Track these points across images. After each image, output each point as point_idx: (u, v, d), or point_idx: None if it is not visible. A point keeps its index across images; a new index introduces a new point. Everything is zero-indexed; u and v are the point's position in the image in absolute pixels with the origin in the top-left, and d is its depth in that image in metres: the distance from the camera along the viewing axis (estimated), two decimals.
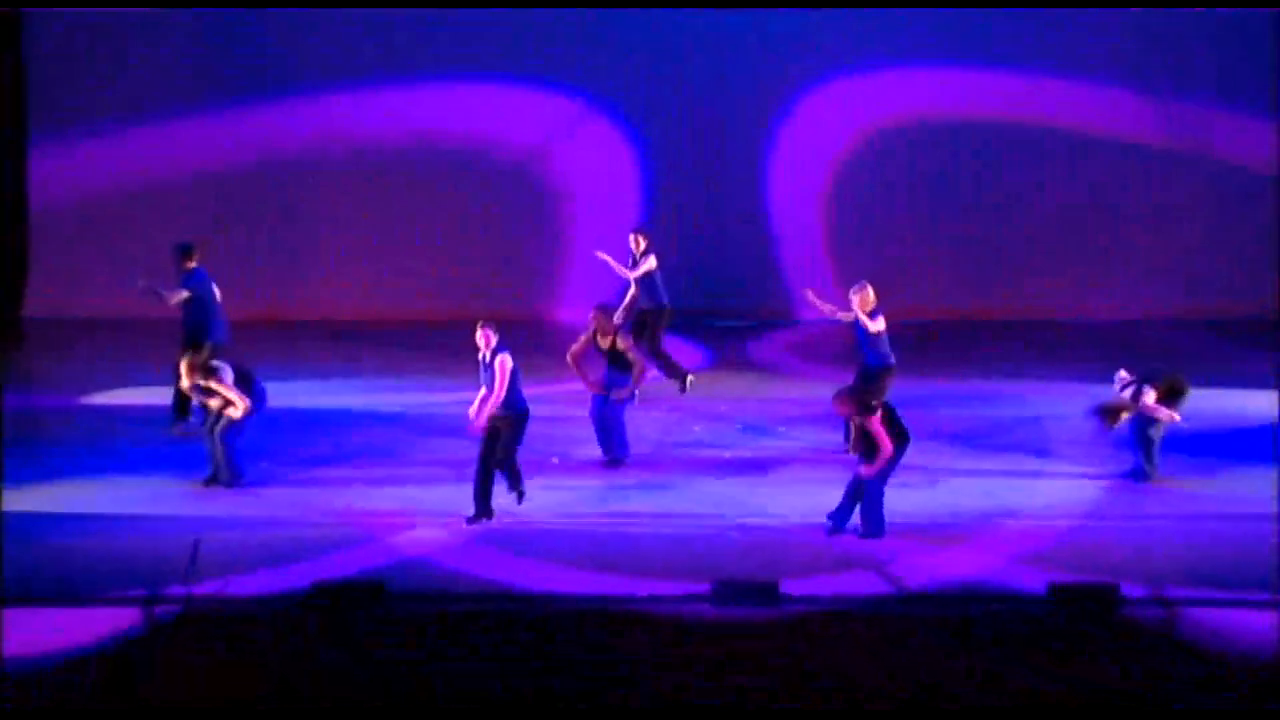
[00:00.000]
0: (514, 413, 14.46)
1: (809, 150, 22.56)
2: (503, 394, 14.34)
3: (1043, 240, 22.77)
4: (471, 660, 11.71)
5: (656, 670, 11.59)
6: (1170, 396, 15.49)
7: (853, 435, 14.75)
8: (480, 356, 14.46)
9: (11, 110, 21.42)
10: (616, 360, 15.90)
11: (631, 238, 18.49)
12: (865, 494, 14.11)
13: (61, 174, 22.06)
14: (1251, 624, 12.32)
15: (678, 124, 22.68)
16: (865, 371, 16.08)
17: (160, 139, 22.27)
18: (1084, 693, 11.41)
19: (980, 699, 11.32)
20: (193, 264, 16.97)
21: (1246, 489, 15.33)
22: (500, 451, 14.41)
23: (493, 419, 14.40)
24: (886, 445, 13.99)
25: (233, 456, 15.33)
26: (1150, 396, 15.37)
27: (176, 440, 16.69)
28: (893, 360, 16.08)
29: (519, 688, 11.35)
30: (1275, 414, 16.82)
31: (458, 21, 22.18)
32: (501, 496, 14.53)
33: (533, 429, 14.75)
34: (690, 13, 22.14)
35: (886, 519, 14.14)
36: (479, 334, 14.44)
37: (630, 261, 18.40)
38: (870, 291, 16.03)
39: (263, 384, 15.57)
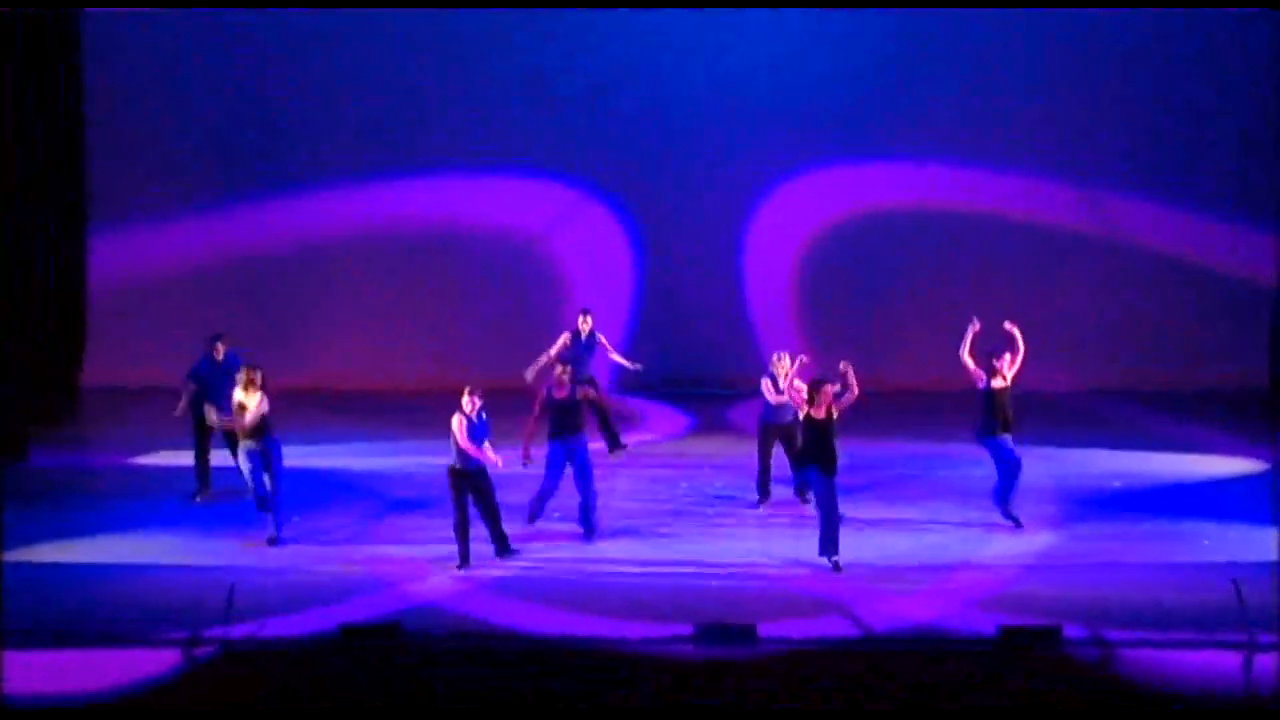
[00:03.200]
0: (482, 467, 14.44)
1: (778, 238, 22.19)
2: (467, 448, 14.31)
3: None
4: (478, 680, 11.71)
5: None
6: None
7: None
8: (469, 417, 14.34)
9: (75, 203, 21.38)
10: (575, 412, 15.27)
11: (581, 317, 18.18)
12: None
13: (116, 257, 21.85)
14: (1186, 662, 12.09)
15: (667, 215, 22.28)
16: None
17: (201, 228, 22.02)
18: None
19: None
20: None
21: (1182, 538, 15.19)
22: (485, 505, 14.36)
23: (466, 474, 14.25)
24: None
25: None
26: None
27: (208, 500, 16.39)
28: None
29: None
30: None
31: (474, 119, 21.97)
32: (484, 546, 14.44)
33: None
34: (678, 114, 21.95)
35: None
36: (468, 399, 14.35)
37: (574, 337, 17.99)
38: (786, 360, 15.78)
39: None
